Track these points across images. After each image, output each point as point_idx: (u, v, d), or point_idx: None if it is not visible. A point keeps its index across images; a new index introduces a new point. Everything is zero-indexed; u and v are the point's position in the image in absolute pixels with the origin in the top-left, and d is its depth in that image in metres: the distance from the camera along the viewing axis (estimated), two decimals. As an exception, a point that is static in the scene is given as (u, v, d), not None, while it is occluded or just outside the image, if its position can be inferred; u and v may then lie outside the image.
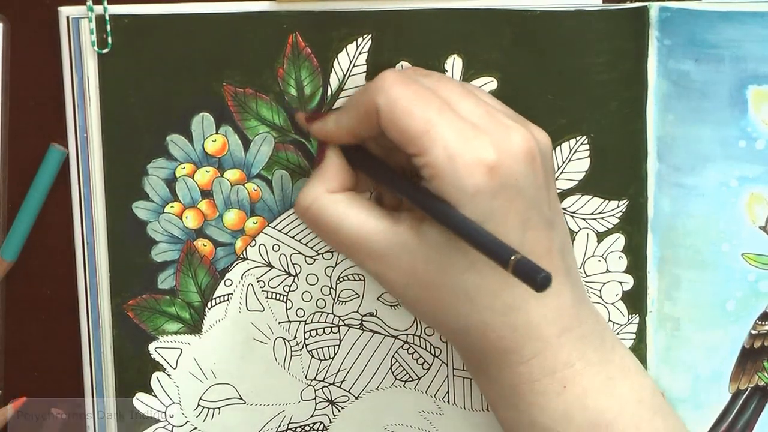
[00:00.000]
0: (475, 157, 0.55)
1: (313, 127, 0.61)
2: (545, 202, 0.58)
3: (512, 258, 0.52)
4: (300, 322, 0.66)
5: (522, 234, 0.56)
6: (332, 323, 0.66)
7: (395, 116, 0.56)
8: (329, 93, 0.63)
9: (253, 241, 0.65)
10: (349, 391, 0.66)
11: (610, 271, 0.65)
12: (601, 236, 0.65)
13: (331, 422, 0.67)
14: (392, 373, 0.66)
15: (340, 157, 0.60)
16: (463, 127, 0.56)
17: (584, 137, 0.64)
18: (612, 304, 0.66)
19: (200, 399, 0.66)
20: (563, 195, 0.64)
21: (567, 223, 0.64)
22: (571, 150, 0.64)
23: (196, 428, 0.66)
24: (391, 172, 0.60)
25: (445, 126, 0.55)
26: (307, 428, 0.67)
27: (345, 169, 0.60)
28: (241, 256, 0.65)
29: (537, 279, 0.51)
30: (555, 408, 0.58)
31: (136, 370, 0.66)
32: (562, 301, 0.58)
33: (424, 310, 0.59)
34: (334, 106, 0.63)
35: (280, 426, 0.67)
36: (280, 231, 0.65)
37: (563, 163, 0.64)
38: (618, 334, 0.66)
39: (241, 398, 0.66)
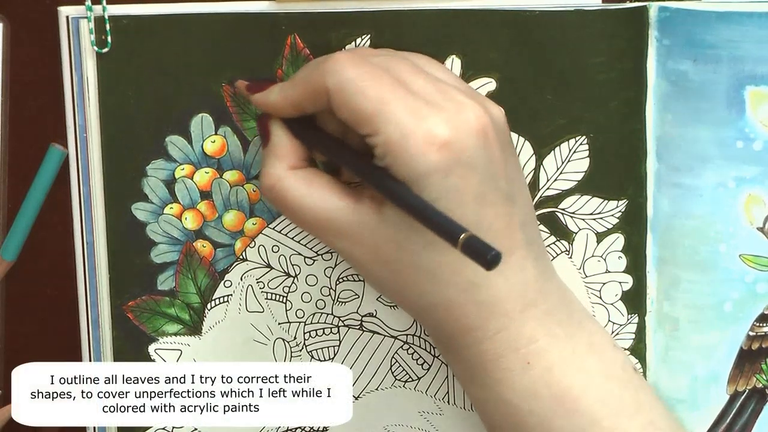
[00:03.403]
0: (428, 135, 0.54)
1: (255, 97, 0.60)
2: (502, 177, 0.57)
3: (461, 236, 0.52)
4: (300, 323, 0.66)
5: (478, 210, 0.56)
6: (332, 324, 0.66)
7: (347, 97, 0.55)
8: (328, 93, 0.63)
9: (253, 242, 0.65)
10: (349, 392, 0.67)
11: (609, 271, 0.65)
12: (600, 236, 0.65)
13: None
14: (392, 373, 0.66)
15: (286, 131, 0.59)
16: (416, 105, 0.55)
17: (583, 137, 0.64)
18: (612, 304, 0.65)
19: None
20: (562, 195, 0.64)
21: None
22: (570, 150, 0.64)
23: (196, 429, 0.66)
24: (342, 149, 0.59)
25: (397, 105, 0.55)
26: (308, 429, 0.67)
27: (296, 143, 0.59)
28: (241, 257, 0.65)
29: (487, 257, 0.51)
30: (520, 384, 0.58)
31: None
32: (525, 276, 0.58)
33: (389, 288, 0.59)
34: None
35: (280, 426, 0.66)
36: (280, 232, 0.65)
37: (562, 163, 0.64)
38: (617, 334, 0.66)
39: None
